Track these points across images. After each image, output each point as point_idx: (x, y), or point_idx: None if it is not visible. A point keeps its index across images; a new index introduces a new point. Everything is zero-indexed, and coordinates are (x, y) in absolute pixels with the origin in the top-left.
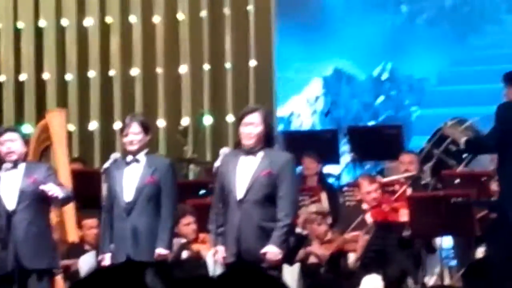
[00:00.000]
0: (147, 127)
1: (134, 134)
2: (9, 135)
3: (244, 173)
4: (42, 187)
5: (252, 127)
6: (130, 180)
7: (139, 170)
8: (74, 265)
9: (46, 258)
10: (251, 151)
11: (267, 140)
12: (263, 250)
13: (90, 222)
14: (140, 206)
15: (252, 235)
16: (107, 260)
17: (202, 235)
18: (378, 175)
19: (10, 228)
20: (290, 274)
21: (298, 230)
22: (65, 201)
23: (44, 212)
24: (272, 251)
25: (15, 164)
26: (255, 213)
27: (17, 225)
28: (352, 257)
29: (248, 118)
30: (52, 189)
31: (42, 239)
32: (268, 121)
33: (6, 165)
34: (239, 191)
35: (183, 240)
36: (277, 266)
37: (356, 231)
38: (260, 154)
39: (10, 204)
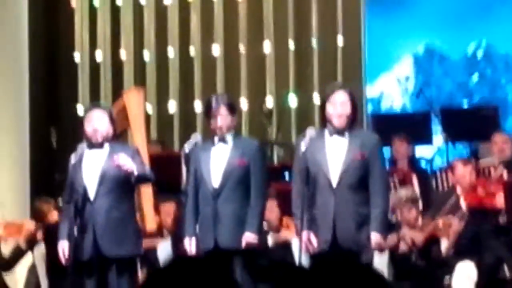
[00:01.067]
0: (234, 107)
1: (222, 116)
2: (97, 113)
3: (335, 156)
4: (116, 160)
5: (340, 105)
6: (217, 163)
7: (226, 153)
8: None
9: (127, 245)
10: (338, 132)
11: (353, 120)
12: (371, 240)
13: (168, 207)
14: (228, 190)
15: (349, 221)
16: (192, 245)
17: (285, 220)
18: (472, 158)
19: (89, 213)
20: (379, 261)
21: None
22: (142, 179)
23: (127, 196)
24: (377, 237)
25: (101, 144)
26: (351, 198)
27: (97, 210)
28: (444, 244)
29: (337, 97)
30: (126, 163)
31: (124, 225)
32: (354, 100)
33: (91, 144)
34: (333, 176)
35: (265, 227)
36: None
37: (449, 216)
38: (347, 134)
39: (92, 187)
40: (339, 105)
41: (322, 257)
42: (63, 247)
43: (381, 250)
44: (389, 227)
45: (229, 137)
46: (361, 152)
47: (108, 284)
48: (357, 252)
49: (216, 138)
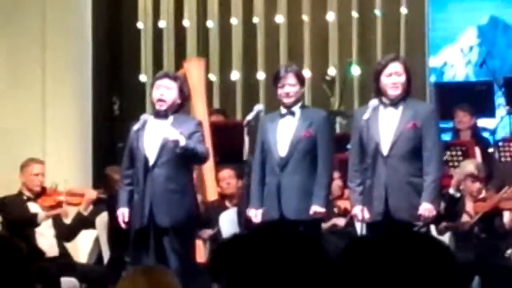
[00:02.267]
0: (303, 78)
1: (291, 86)
2: (166, 82)
3: (387, 127)
4: (166, 131)
5: (396, 76)
6: (284, 134)
7: (293, 124)
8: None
9: (182, 217)
10: (393, 103)
11: (408, 91)
12: (420, 210)
13: (225, 173)
14: (294, 161)
15: (401, 191)
16: (258, 216)
17: (347, 191)
18: None
19: (148, 181)
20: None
21: (451, 191)
22: (190, 154)
23: (186, 168)
24: (426, 208)
25: (166, 114)
26: (402, 168)
27: (155, 179)
28: (507, 216)
29: (392, 67)
30: (173, 135)
31: (180, 198)
32: (409, 70)
33: (156, 113)
34: (384, 146)
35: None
36: (428, 224)
37: None
38: (401, 105)
39: (151, 156)
40: (393, 76)
41: (376, 228)
42: (123, 213)
43: (431, 221)
44: (452, 202)
45: (297, 109)
46: (414, 122)
47: (165, 253)
48: (410, 223)
49: (283, 110)
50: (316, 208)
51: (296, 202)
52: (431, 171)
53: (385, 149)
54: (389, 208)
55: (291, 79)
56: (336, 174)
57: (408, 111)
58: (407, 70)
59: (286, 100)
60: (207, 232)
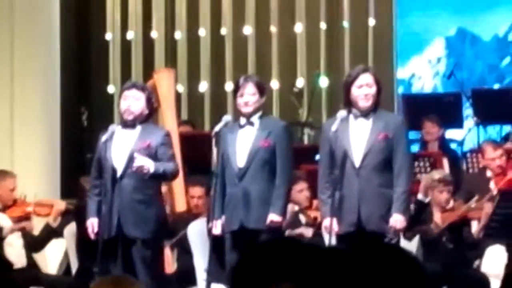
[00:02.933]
0: (263, 88)
1: (250, 95)
2: (133, 92)
3: (358, 138)
4: (135, 156)
5: (367, 88)
6: (243, 144)
7: (252, 134)
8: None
9: (149, 228)
10: (363, 114)
11: (377, 102)
12: (390, 221)
13: (197, 191)
14: (253, 171)
15: (373, 202)
16: (218, 227)
17: (316, 202)
18: (503, 141)
19: (115, 192)
20: (409, 242)
21: (419, 197)
22: (158, 177)
23: (154, 179)
24: (397, 219)
25: (133, 124)
26: (375, 180)
27: (123, 189)
28: (475, 226)
29: (363, 79)
30: (141, 163)
31: (147, 208)
32: (379, 81)
33: (124, 123)
34: (356, 157)
35: (296, 208)
36: (398, 235)
37: (480, 199)
38: (372, 116)
39: (119, 166)
40: (364, 87)
41: (347, 239)
42: (92, 223)
43: (401, 231)
44: (420, 208)
45: (256, 119)
46: (384, 133)
47: (133, 263)
48: (381, 234)
49: (243, 120)
50: (273, 217)
51: (256, 212)
52: (401, 182)
53: (357, 161)
54: (361, 219)
55: (250, 88)
56: (304, 185)
57: (379, 122)
58: (377, 81)
59: (245, 110)
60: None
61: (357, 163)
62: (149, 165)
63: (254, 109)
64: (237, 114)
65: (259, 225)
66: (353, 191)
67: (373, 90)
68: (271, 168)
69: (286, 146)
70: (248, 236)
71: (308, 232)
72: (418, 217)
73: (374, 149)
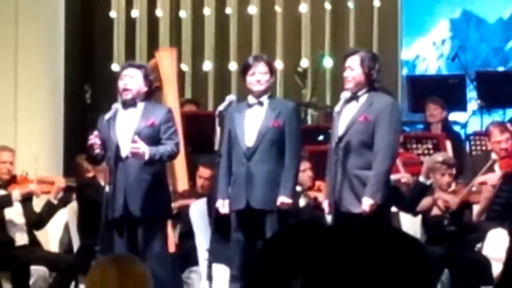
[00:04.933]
0: (273, 68)
1: (262, 74)
2: (130, 71)
3: (344, 119)
4: (134, 140)
5: (349, 70)
6: (252, 123)
7: (261, 114)
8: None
9: (156, 207)
10: (354, 96)
11: (370, 83)
12: (362, 206)
13: (206, 172)
14: (261, 151)
15: (346, 184)
16: (226, 206)
17: (318, 183)
18: (509, 124)
19: (121, 171)
20: (411, 225)
21: (421, 179)
22: (158, 161)
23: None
24: (366, 202)
25: (134, 102)
26: (351, 160)
27: (129, 169)
28: (476, 210)
29: (347, 62)
30: (139, 150)
31: (154, 187)
32: (367, 63)
33: (125, 103)
34: (337, 137)
35: (299, 188)
36: (377, 216)
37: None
38: (363, 98)
39: (124, 146)
40: (347, 70)
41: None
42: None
43: (372, 214)
44: (422, 190)
45: (265, 99)
46: (366, 115)
47: (137, 243)
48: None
49: (252, 100)
50: (283, 199)
51: (262, 192)
52: (376, 165)
53: (335, 140)
54: (336, 200)
55: (262, 67)
56: (307, 165)
57: (366, 104)
58: (362, 63)
59: (256, 88)
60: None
61: (334, 143)
62: (145, 150)
63: (265, 88)
64: (241, 93)
65: (265, 205)
66: (332, 172)
67: (354, 72)
68: (279, 148)
69: (296, 128)
70: (253, 216)
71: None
72: (419, 198)
73: (351, 130)
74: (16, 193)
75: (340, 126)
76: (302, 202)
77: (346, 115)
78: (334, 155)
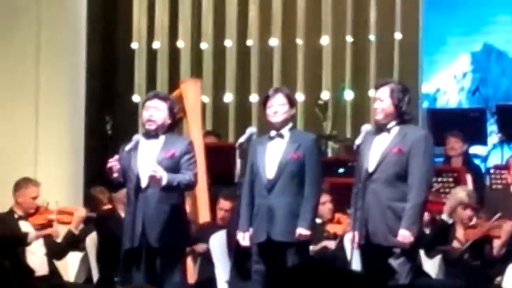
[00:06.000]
0: (292, 100)
1: (279, 105)
2: (155, 102)
3: (376, 150)
4: (152, 167)
5: (379, 102)
6: (273, 156)
7: (282, 146)
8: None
9: (174, 238)
10: (385, 128)
11: (399, 115)
12: (398, 237)
13: (227, 204)
14: (282, 183)
15: (380, 215)
16: (246, 239)
17: (338, 215)
18: None
19: (140, 202)
20: (431, 261)
21: (444, 217)
22: (176, 189)
23: (168, 190)
24: (402, 234)
25: (156, 134)
26: (384, 192)
27: (148, 200)
28: (496, 244)
29: (377, 93)
30: (157, 174)
31: (172, 218)
32: (397, 95)
33: (147, 134)
34: (370, 169)
35: (319, 220)
36: (409, 250)
37: (504, 216)
38: (395, 130)
39: (144, 176)
40: (377, 101)
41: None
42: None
43: (408, 247)
44: (443, 228)
45: (286, 131)
46: (400, 146)
47: (157, 274)
48: (388, 248)
49: (273, 133)
50: (302, 231)
51: (283, 224)
52: (412, 197)
53: (369, 172)
54: (369, 232)
55: (279, 98)
56: (327, 198)
57: (399, 136)
58: (392, 95)
59: (274, 119)
60: (201, 247)
61: (368, 175)
62: (162, 175)
63: (283, 120)
64: (262, 126)
65: (285, 237)
66: (363, 204)
67: (384, 104)
68: (300, 181)
69: (316, 160)
70: (274, 248)
71: (331, 244)
72: (441, 237)
73: (386, 161)
74: (32, 234)
75: (371, 158)
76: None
77: (377, 147)
78: (362, 188)
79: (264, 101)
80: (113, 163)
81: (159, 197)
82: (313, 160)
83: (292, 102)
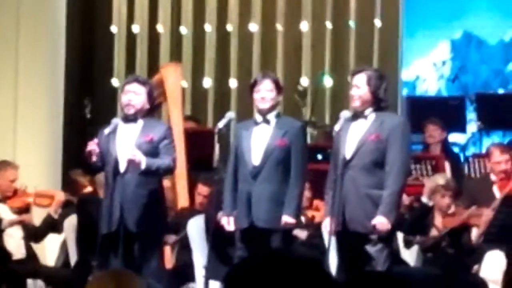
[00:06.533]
0: (280, 85)
1: (267, 91)
2: (135, 87)
3: (353, 137)
4: (131, 150)
5: (355, 88)
6: (258, 142)
7: (268, 132)
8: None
9: (152, 223)
10: (362, 115)
11: (376, 102)
12: (373, 222)
13: (206, 190)
14: (267, 170)
15: (358, 202)
16: (231, 223)
17: (316, 202)
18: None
19: (118, 186)
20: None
21: (423, 199)
22: (154, 173)
23: (146, 174)
24: (380, 221)
25: (135, 118)
26: (362, 179)
27: (126, 184)
28: (475, 232)
29: (354, 80)
30: (136, 157)
31: (150, 203)
32: (374, 82)
33: (125, 118)
34: (347, 156)
35: None
36: (386, 237)
37: (482, 204)
38: (372, 117)
39: (122, 161)
40: (354, 88)
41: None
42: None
43: (385, 234)
44: (424, 211)
45: (272, 117)
46: (378, 134)
47: (133, 258)
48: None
49: (259, 118)
50: (287, 219)
51: (266, 211)
52: (389, 184)
53: (346, 159)
54: (346, 219)
55: (267, 84)
56: (306, 185)
57: (376, 123)
58: (369, 82)
59: (262, 105)
60: (172, 238)
61: (344, 162)
62: (141, 159)
63: (270, 106)
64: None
65: (269, 224)
66: (340, 191)
67: (361, 91)
68: (285, 168)
69: (302, 147)
70: (257, 234)
71: (302, 234)
72: (422, 220)
73: (363, 149)
74: (6, 221)
75: (348, 145)
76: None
77: (354, 134)
78: (340, 174)
79: (251, 86)
80: (92, 146)
81: (137, 181)
82: (299, 147)
83: (279, 88)
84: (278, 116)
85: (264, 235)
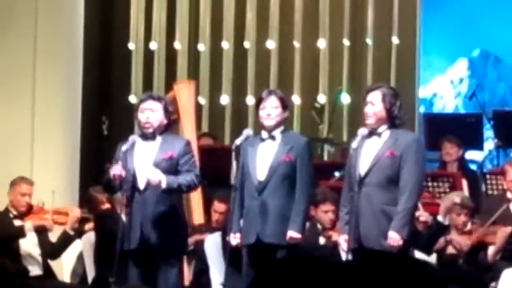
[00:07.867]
0: (286, 103)
1: (272, 108)
2: (150, 104)
3: (367, 154)
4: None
5: (370, 106)
6: (264, 158)
7: (274, 148)
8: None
9: (173, 240)
10: (376, 132)
11: (391, 119)
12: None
13: (222, 207)
14: (273, 185)
15: (373, 219)
16: (236, 240)
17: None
18: None
19: (138, 203)
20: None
21: (439, 218)
22: (177, 191)
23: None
24: (391, 237)
25: (153, 135)
26: (377, 196)
27: (146, 201)
28: (491, 250)
29: (368, 97)
30: (155, 178)
31: (171, 219)
32: (389, 99)
33: (143, 135)
34: (362, 173)
35: (319, 226)
36: (400, 253)
37: (499, 222)
38: (386, 134)
39: (142, 178)
40: (368, 105)
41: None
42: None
43: (398, 250)
44: (439, 229)
45: (278, 133)
46: (392, 150)
47: (153, 275)
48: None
49: (264, 134)
50: (292, 234)
51: (273, 226)
52: (402, 201)
53: (360, 176)
54: (360, 235)
55: (273, 101)
56: (331, 207)
57: (390, 140)
58: (384, 99)
59: (267, 122)
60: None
61: (359, 179)
62: (161, 179)
63: (276, 123)
64: (259, 128)
65: (275, 239)
66: (354, 207)
67: (375, 108)
68: (291, 183)
69: (307, 162)
70: (264, 250)
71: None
72: (436, 238)
73: (378, 165)
74: (28, 224)
75: (363, 162)
76: (321, 241)
77: (369, 151)
78: (356, 191)
79: (257, 102)
80: (121, 172)
81: (157, 198)
82: (305, 162)
83: (285, 105)
84: (283, 131)
85: (271, 250)
